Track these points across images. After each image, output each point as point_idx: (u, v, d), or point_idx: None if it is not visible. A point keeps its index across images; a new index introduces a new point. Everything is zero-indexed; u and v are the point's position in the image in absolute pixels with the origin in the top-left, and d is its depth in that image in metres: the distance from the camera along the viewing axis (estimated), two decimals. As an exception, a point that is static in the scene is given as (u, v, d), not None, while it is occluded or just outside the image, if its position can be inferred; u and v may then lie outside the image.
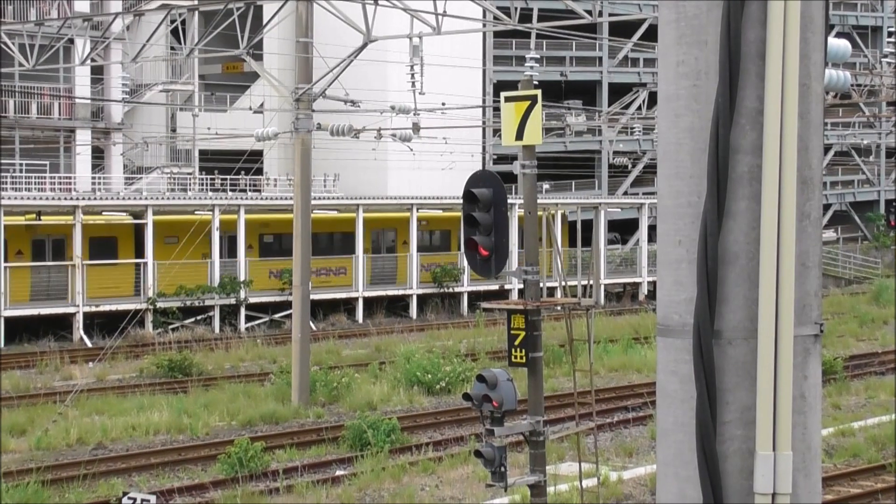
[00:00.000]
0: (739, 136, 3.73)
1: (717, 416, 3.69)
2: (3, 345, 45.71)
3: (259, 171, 64.01)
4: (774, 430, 3.64)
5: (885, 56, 59.40)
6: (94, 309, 48.50)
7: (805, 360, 3.77)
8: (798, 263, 3.71)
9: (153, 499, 17.59)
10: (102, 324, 48.37)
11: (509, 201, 17.68)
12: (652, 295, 62.07)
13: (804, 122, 3.75)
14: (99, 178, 63.32)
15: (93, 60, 52.83)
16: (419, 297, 57.62)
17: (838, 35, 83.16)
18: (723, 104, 3.70)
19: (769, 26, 3.66)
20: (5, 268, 46.91)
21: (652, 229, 63.54)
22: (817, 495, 3.82)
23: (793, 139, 3.68)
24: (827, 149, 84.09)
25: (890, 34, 59.42)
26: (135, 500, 17.47)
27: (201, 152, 68.98)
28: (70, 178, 61.43)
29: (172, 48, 66.26)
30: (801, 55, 3.70)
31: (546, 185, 70.03)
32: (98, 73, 64.02)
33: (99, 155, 65.07)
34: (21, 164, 59.98)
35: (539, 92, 16.19)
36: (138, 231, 51.77)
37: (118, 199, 55.22)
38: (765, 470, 3.63)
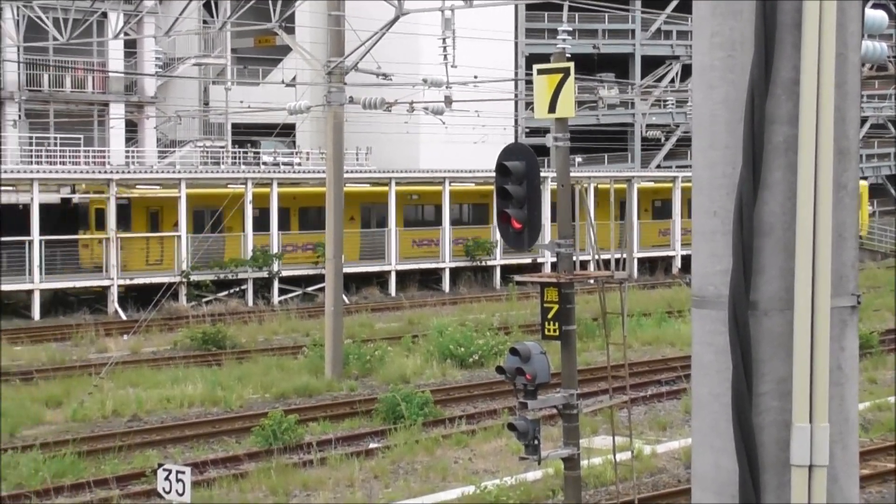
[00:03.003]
0: (775, 107, 3.70)
1: (753, 388, 3.68)
2: (39, 317, 46.03)
3: (292, 145, 64.16)
4: (811, 401, 3.63)
5: (922, 27, 58.92)
6: (128, 282, 48.73)
7: (842, 331, 3.76)
8: (835, 234, 3.69)
9: (188, 470, 17.67)
10: (136, 297, 48.63)
11: (542, 174, 17.63)
12: (685, 268, 61.90)
13: (841, 91, 3.73)
14: (132, 151, 63.51)
15: (126, 34, 52.94)
16: (452, 270, 57.60)
17: (875, 6, 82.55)
18: (758, 74, 3.68)
19: (806, -5, 3.63)
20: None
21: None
22: (854, 468, 3.81)
23: (829, 109, 3.65)
24: (863, 121, 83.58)
25: (927, 5, 58.90)
26: (170, 471, 17.56)
27: (234, 126, 69.09)
28: (104, 151, 61.64)
29: (205, 22, 66.34)
30: (838, 24, 3.67)
31: (578, 159, 69.87)
32: (131, 47, 64.17)
33: (132, 129, 65.26)
34: (55, 138, 60.22)
35: (572, 64, 16.14)
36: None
37: (151, 172, 55.42)
38: (802, 441, 3.62)
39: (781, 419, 3.68)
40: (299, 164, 61.71)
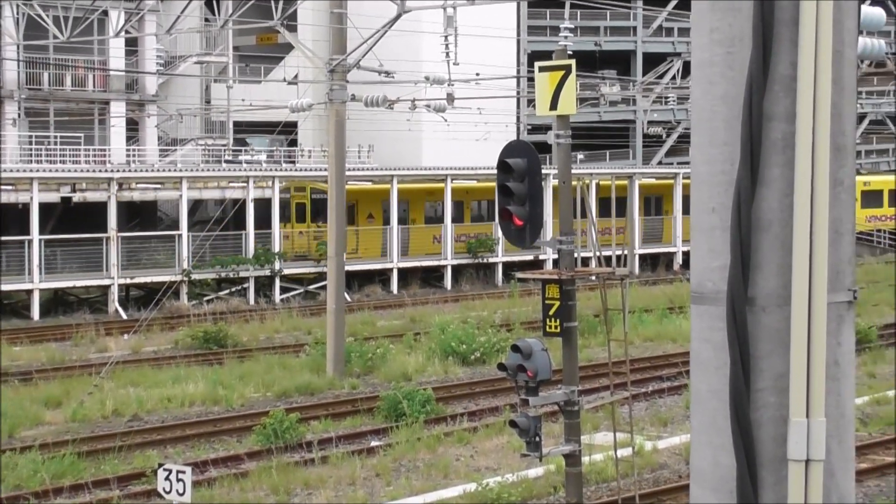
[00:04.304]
0: (773, 103, 3.71)
1: (751, 384, 3.69)
2: (38, 317, 45.99)
3: (293, 143, 64.17)
4: (808, 396, 3.64)
5: (922, 24, 58.87)
6: (129, 281, 48.72)
7: (839, 326, 3.76)
8: (831, 230, 3.70)
9: (188, 470, 17.67)
10: (137, 296, 48.56)
11: (543, 171, 17.63)
12: (686, 264, 61.90)
13: (837, 88, 3.73)
14: (133, 150, 63.49)
15: (127, 32, 52.95)
16: (454, 267, 57.59)
17: (873, 3, 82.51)
18: (756, 71, 3.68)
19: (803, -8, 3.64)
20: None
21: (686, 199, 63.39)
22: (850, 462, 3.81)
23: (826, 106, 3.66)
24: (861, 117, 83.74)
25: (927, 1, 58.82)
26: (170, 471, 17.57)
27: (235, 124, 69.07)
28: (105, 150, 61.61)
29: (206, 20, 66.31)
30: (835, 21, 3.68)
31: (580, 155, 69.82)
32: (132, 45, 64.14)
33: (133, 127, 65.24)
34: (55, 137, 60.20)
35: (573, 62, 16.14)
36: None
37: (153, 171, 55.41)
38: (798, 436, 3.63)
39: (779, 415, 3.68)
40: (290, 161, 62.16)
